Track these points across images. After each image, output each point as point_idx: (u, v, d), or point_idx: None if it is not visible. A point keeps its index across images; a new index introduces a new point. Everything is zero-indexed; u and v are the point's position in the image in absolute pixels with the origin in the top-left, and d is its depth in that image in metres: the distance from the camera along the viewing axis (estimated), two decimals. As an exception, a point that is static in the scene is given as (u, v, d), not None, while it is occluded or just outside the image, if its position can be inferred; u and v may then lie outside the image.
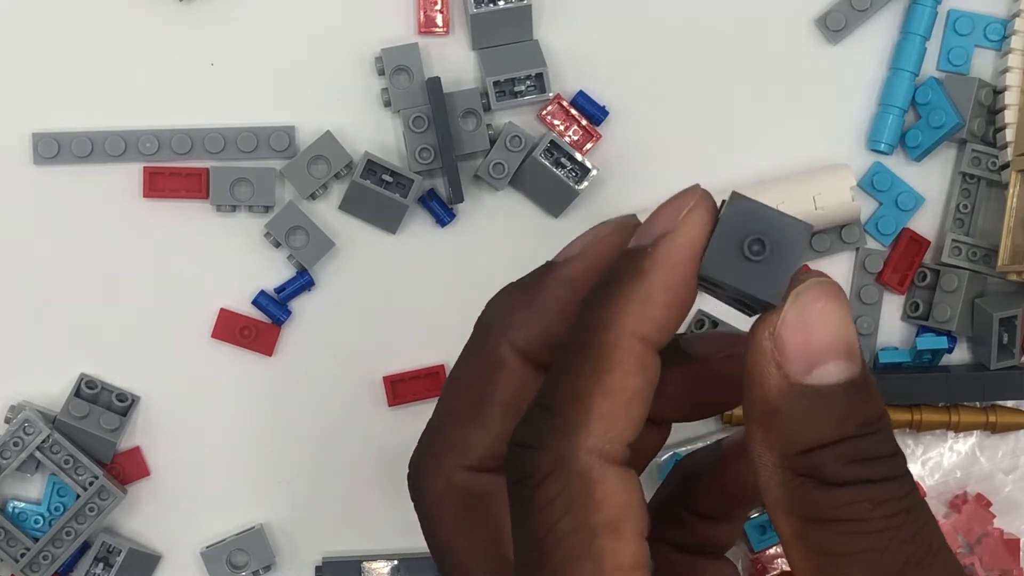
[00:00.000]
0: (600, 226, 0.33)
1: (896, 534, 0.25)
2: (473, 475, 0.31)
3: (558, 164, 0.58)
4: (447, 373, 0.59)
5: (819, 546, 0.26)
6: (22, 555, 0.56)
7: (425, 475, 0.31)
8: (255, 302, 0.58)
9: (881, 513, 0.25)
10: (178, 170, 0.57)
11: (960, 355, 0.61)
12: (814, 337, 0.26)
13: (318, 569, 0.59)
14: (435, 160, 0.57)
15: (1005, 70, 0.59)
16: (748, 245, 0.27)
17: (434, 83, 0.56)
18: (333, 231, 0.58)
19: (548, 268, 0.32)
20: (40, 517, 0.57)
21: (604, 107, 0.59)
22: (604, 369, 0.27)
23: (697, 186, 0.28)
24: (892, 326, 0.61)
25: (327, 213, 0.58)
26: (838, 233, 0.60)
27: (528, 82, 0.57)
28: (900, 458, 0.26)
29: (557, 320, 0.30)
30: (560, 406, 0.27)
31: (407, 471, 0.33)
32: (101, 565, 0.57)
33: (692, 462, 0.35)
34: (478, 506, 0.31)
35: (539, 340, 0.31)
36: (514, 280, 0.33)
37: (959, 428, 0.59)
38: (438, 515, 0.31)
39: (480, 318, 0.32)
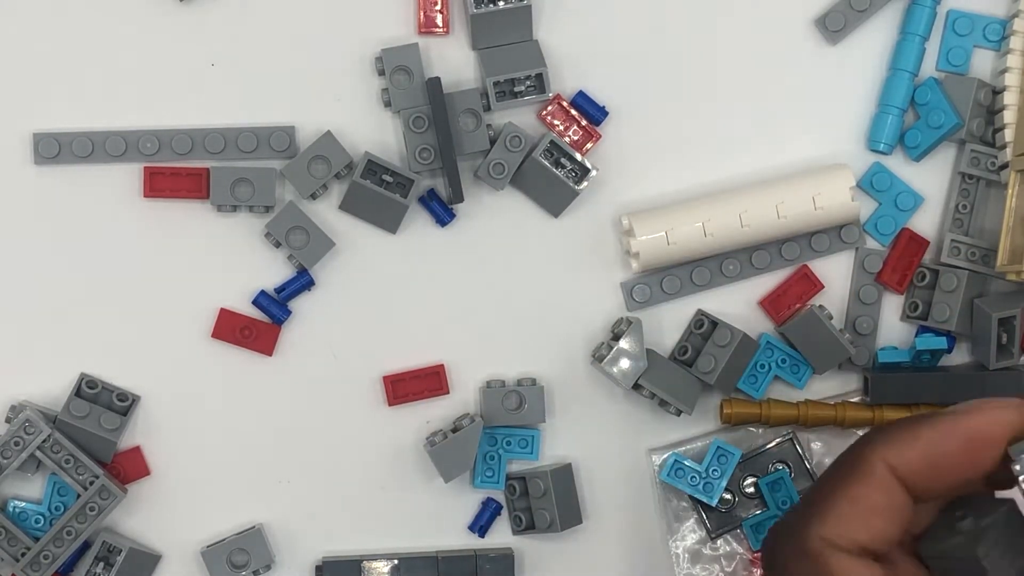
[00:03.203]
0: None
1: None
2: (860, 550, 0.33)
3: (558, 164, 0.58)
4: (447, 373, 0.59)
5: None
6: (23, 554, 0.56)
7: (814, 535, 0.33)
8: (255, 302, 0.58)
9: None
10: (178, 170, 0.57)
11: (959, 355, 0.61)
12: None
13: (318, 569, 0.59)
14: (435, 160, 0.57)
15: (1004, 70, 0.59)
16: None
17: (434, 83, 0.56)
18: (333, 231, 0.58)
19: (950, 412, 0.34)
20: (40, 517, 0.57)
21: (604, 107, 0.59)
22: (852, 480, 0.31)
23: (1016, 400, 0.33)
24: (891, 326, 0.61)
25: (327, 213, 0.58)
26: (838, 233, 0.60)
27: (528, 82, 0.57)
28: None
29: (944, 459, 0.33)
30: (810, 503, 0.32)
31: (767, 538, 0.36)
32: (101, 565, 0.57)
33: None
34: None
35: (916, 464, 0.33)
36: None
37: (958, 428, 0.59)
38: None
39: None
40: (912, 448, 0.32)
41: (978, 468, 0.33)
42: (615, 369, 0.57)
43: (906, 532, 0.34)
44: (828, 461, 0.60)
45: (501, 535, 0.60)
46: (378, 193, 0.56)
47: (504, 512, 0.60)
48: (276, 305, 0.58)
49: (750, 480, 0.59)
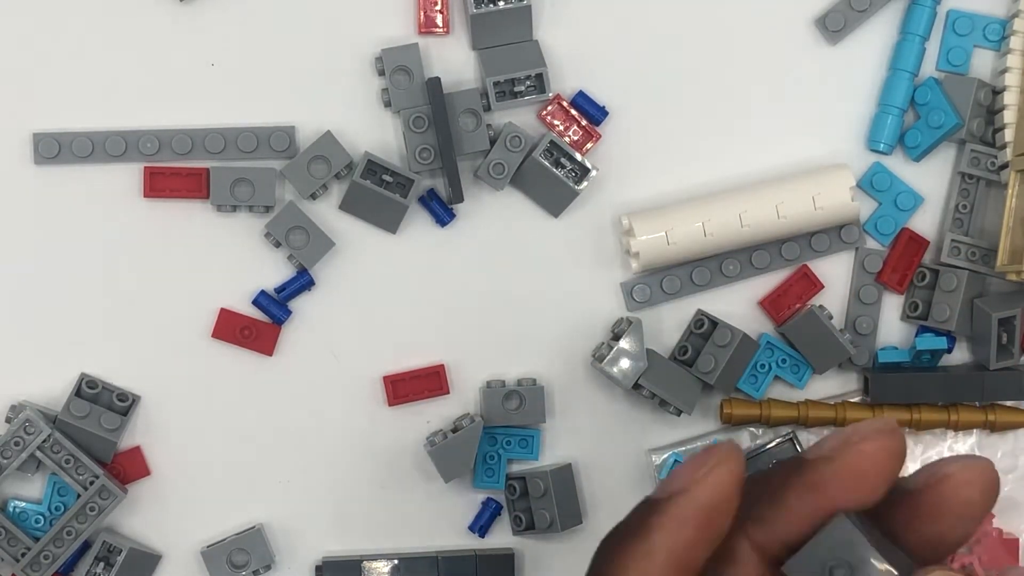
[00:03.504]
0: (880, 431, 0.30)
1: None
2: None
3: (558, 164, 0.58)
4: (447, 373, 0.59)
5: None
6: (23, 555, 0.56)
7: None
8: (255, 302, 0.58)
9: None
10: (178, 170, 0.57)
11: (959, 355, 0.61)
12: None
13: (318, 569, 0.59)
14: (435, 160, 0.57)
15: (1004, 70, 0.59)
16: (831, 571, 0.27)
17: (434, 83, 0.56)
18: (333, 231, 0.58)
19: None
20: (41, 517, 0.57)
21: (604, 107, 0.59)
22: None
23: (729, 443, 0.28)
24: (891, 326, 0.61)
25: (327, 213, 0.58)
26: (838, 233, 0.60)
27: (528, 82, 0.57)
28: None
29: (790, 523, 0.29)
30: None
31: None
32: (102, 565, 0.57)
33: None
34: None
35: (781, 541, 0.29)
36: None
37: (958, 427, 0.59)
38: None
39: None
40: (781, 520, 0.28)
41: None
42: (615, 369, 0.57)
43: None
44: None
45: (501, 535, 0.60)
46: (378, 193, 0.56)
47: (504, 512, 0.60)
48: (276, 305, 0.58)
49: (750, 480, 0.59)
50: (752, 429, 0.60)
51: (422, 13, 0.58)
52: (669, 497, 0.27)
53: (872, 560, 0.26)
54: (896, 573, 0.27)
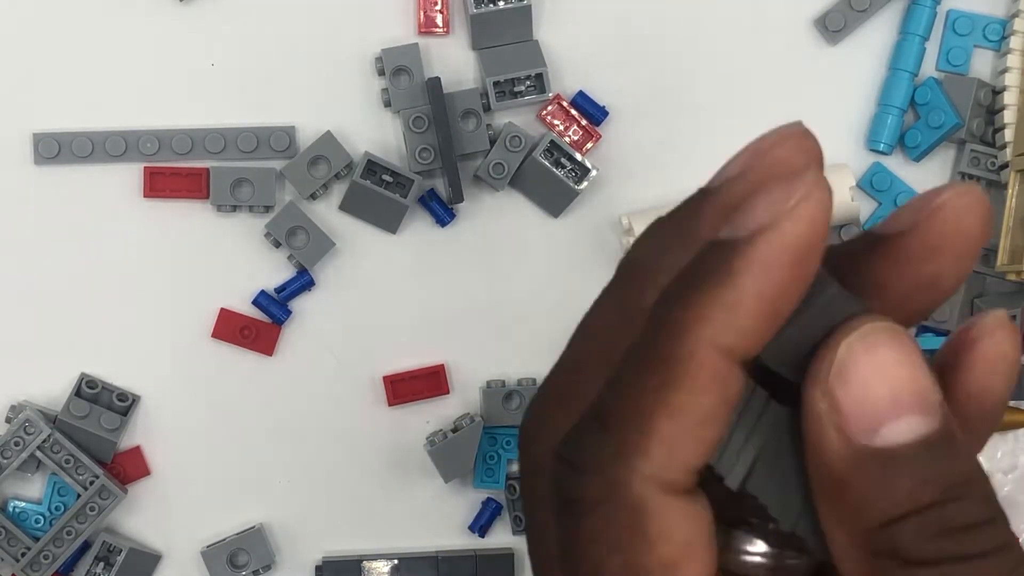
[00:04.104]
0: (762, 139, 0.27)
1: None
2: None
3: (558, 164, 0.58)
4: (447, 373, 0.59)
5: None
6: (23, 554, 0.56)
7: (532, 434, 0.25)
8: (255, 302, 0.58)
9: None
10: (178, 170, 0.57)
11: (959, 355, 0.61)
12: (875, 391, 0.21)
13: (318, 569, 0.59)
14: (435, 160, 0.57)
15: (1004, 70, 0.59)
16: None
17: (434, 83, 0.56)
18: (333, 231, 0.58)
19: (703, 196, 0.26)
20: (41, 517, 0.57)
21: (604, 107, 0.59)
22: (672, 385, 0.22)
23: (814, 164, 0.24)
24: (891, 326, 0.61)
25: (327, 213, 0.58)
26: (837, 233, 0.60)
27: (528, 82, 0.57)
28: (999, 524, 0.22)
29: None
30: (618, 423, 0.22)
31: (521, 423, 0.26)
32: (101, 565, 0.57)
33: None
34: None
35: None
36: (660, 216, 0.26)
37: (958, 428, 0.59)
38: (533, 484, 0.25)
39: (625, 257, 0.26)
40: (739, 311, 0.22)
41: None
42: (615, 369, 0.56)
43: None
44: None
45: (501, 535, 0.60)
46: (378, 193, 0.56)
47: (504, 512, 0.60)
48: (276, 305, 0.58)
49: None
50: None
51: (422, 13, 0.58)
52: (751, 235, 0.22)
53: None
54: (853, 297, 0.23)
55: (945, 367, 0.25)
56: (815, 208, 0.22)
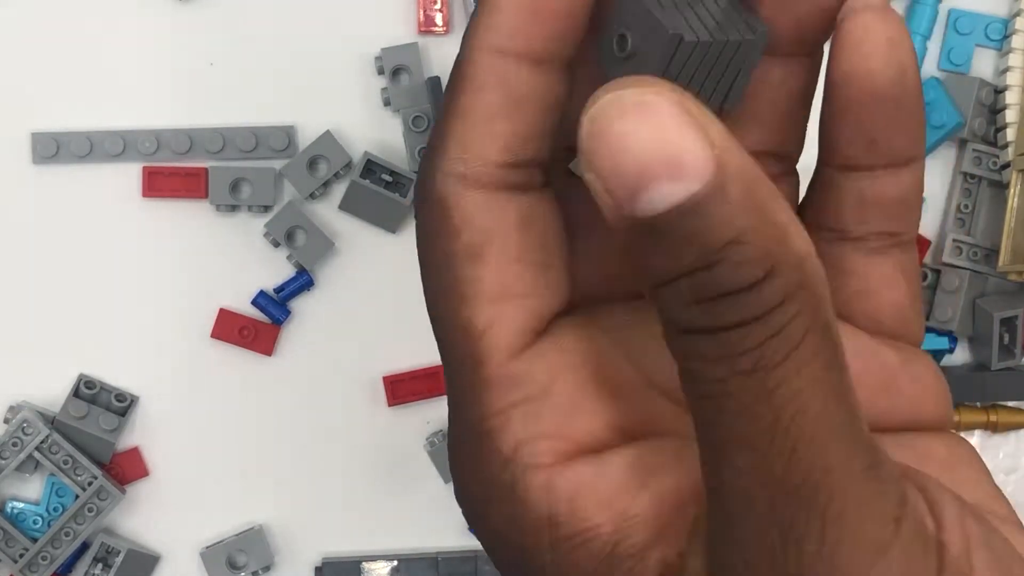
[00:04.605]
0: None
1: (750, 399, 0.20)
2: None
3: (558, 164, 0.58)
4: (447, 373, 0.59)
5: (694, 414, 0.21)
6: (21, 555, 0.56)
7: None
8: (255, 302, 0.58)
9: (735, 369, 0.20)
10: (177, 170, 0.57)
11: (961, 355, 0.61)
12: (622, 161, 0.20)
13: (318, 569, 0.59)
14: (435, 160, 0.57)
15: (1006, 69, 0.59)
16: (616, 41, 0.24)
17: (434, 83, 0.56)
18: (333, 231, 0.58)
19: None
20: (39, 517, 0.57)
21: (604, 107, 0.59)
22: (458, 89, 0.24)
23: None
24: (893, 326, 0.60)
25: (327, 213, 0.58)
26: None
27: (528, 82, 0.57)
28: (766, 286, 0.20)
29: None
30: (431, 135, 0.25)
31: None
32: (100, 565, 0.57)
33: None
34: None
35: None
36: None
37: (960, 427, 0.59)
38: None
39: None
40: (507, 11, 0.23)
41: None
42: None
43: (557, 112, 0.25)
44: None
45: (501, 536, 0.60)
46: (378, 193, 0.56)
47: (504, 513, 0.59)
48: (275, 305, 0.58)
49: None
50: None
51: (422, 12, 0.58)
52: None
53: (651, 18, 0.23)
54: (681, 35, 0.23)
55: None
56: None
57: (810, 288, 0.20)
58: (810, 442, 0.20)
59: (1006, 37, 0.60)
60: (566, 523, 0.23)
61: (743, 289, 0.20)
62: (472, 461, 0.24)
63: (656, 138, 0.20)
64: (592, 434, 0.24)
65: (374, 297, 0.59)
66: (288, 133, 0.58)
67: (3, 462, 0.55)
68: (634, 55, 0.23)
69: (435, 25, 0.58)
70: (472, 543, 0.59)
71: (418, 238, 0.26)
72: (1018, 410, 0.60)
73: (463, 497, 0.25)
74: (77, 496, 0.56)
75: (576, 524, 0.23)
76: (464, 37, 0.24)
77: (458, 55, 0.24)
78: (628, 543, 0.23)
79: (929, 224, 0.60)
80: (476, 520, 0.25)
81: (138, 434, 0.58)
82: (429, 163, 0.25)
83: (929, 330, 0.60)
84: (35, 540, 0.56)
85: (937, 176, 0.60)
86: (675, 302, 0.20)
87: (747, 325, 0.20)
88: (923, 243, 0.60)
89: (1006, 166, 0.58)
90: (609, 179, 0.21)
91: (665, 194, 0.20)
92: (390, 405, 0.59)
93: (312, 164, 0.57)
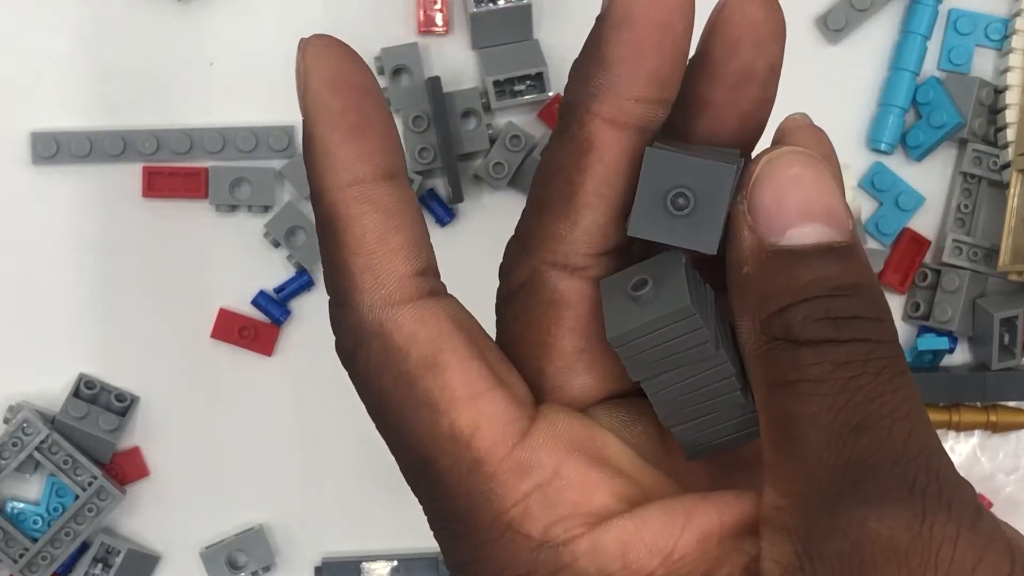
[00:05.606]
0: None
1: (854, 396, 0.23)
2: (558, 274, 0.28)
3: (558, 164, 0.58)
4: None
5: (778, 409, 0.24)
6: (21, 555, 0.56)
7: (358, 311, 0.27)
8: (254, 302, 0.58)
9: (842, 374, 0.23)
10: (177, 170, 0.57)
11: (961, 355, 0.61)
12: (787, 199, 0.24)
13: (318, 569, 0.59)
14: (435, 160, 0.57)
15: (1006, 69, 0.59)
16: (672, 200, 0.25)
17: (434, 83, 0.56)
18: (333, 231, 0.58)
19: (601, 21, 0.27)
20: (39, 517, 0.57)
21: (604, 107, 0.59)
22: (336, 230, 0.25)
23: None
24: (893, 326, 0.60)
25: (327, 213, 0.58)
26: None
27: (528, 82, 0.57)
28: (884, 325, 0.24)
29: (637, 71, 0.26)
30: (335, 268, 0.26)
31: None
32: (100, 566, 0.57)
33: None
34: (557, 308, 0.27)
35: (627, 101, 0.26)
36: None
37: (960, 427, 0.59)
38: (502, 314, 0.28)
39: (562, 100, 0.27)
40: (340, 150, 0.25)
41: None
42: (615, 369, 0.56)
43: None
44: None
45: (501, 536, 0.60)
46: (377, 193, 0.56)
47: (504, 513, 0.59)
48: (275, 305, 0.58)
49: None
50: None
51: (422, 12, 0.58)
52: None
53: (704, 165, 0.25)
54: (737, 159, 0.26)
55: (699, 57, 0.27)
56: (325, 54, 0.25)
57: (897, 341, 0.24)
58: (904, 441, 0.23)
59: (1006, 37, 0.60)
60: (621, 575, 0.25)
61: (868, 319, 0.24)
62: (501, 558, 0.25)
63: (819, 190, 0.24)
64: (607, 507, 0.25)
65: (374, 297, 0.59)
66: (288, 133, 0.57)
67: (3, 462, 0.55)
68: (696, 205, 0.25)
69: (435, 25, 0.58)
70: (472, 543, 0.59)
71: (361, 386, 0.27)
72: (1018, 410, 0.60)
73: None
74: (77, 496, 0.56)
75: (632, 574, 0.24)
76: (313, 192, 0.25)
77: (317, 209, 0.26)
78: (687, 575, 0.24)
79: (929, 224, 0.60)
80: None
81: (138, 434, 0.58)
82: (345, 309, 0.26)
83: (929, 330, 0.60)
84: (35, 540, 0.56)
85: (937, 176, 0.60)
86: (800, 317, 0.24)
87: (863, 343, 0.24)
88: (923, 243, 0.60)
89: (1006, 166, 0.58)
90: (764, 212, 0.24)
91: (818, 232, 0.24)
92: (390, 405, 0.59)
93: (312, 164, 0.57)
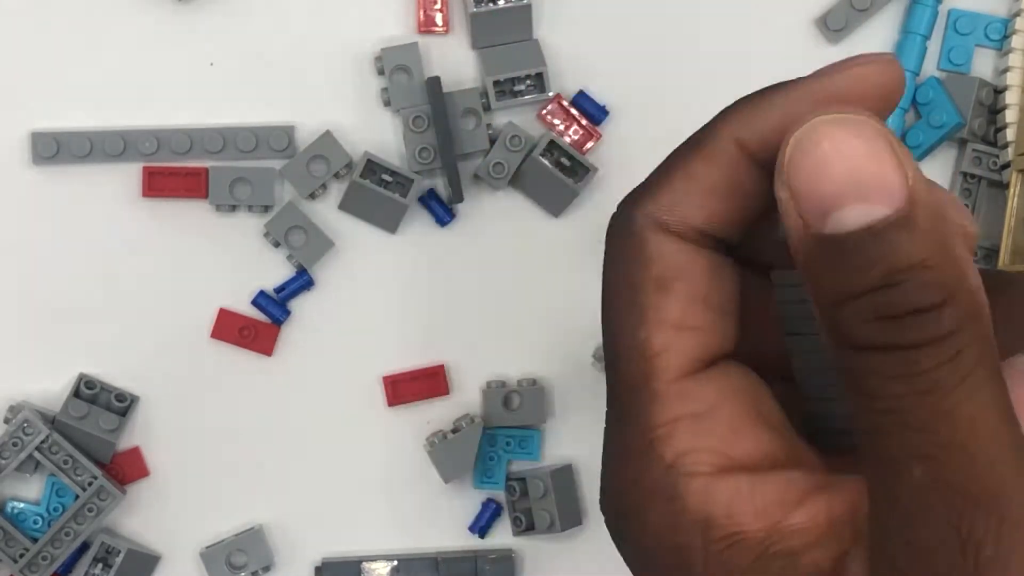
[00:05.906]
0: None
1: (930, 421, 0.21)
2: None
3: (558, 164, 0.58)
4: (447, 373, 0.59)
5: (862, 422, 0.23)
6: (21, 555, 0.56)
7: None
8: (254, 302, 0.58)
9: (909, 389, 0.22)
10: (177, 170, 0.57)
11: (961, 355, 0.61)
12: (824, 179, 0.23)
13: (318, 569, 0.59)
14: (435, 160, 0.57)
15: (1006, 69, 0.59)
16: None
17: (434, 83, 0.56)
18: (333, 231, 0.58)
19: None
20: (39, 517, 0.57)
21: (604, 107, 0.59)
22: (694, 155, 0.27)
23: (885, 56, 0.27)
24: (893, 326, 0.60)
25: (327, 213, 0.58)
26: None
27: (528, 82, 0.57)
28: (947, 310, 0.22)
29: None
30: (648, 178, 0.28)
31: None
32: (100, 566, 0.57)
33: None
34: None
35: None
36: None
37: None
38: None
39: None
40: (764, 118, 0.27)
41: None
42: (615, 369, 0.56)
43: (746, 223, 0.28)
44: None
45: (501, 536, 0.60)
46: (378, 193, 0.56)
47: (504, 513, 0.59)
48: (275, 305, 0.58)
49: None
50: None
51: (422, 12, 0.58)
52: (802, 78, 0.28)
53: None
54: None
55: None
56: (873, 70, 0.28)
57: (981, 320, 0.22)
58: (987, 457, 0.22)
59: (1006, 37, 0.60)
60: (721, 526, 0.25)
61: (924, 310, 0.22)
62: (633, 468, 0.26)
63: (856, 162, 0.23)
64: (748, 456, 0.26)
65: (374, 297, 0.59)
66: (288, 133, 0.57)
67: (3, 462, 0.55)
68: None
69: (435, 25, 0.58)
70: (472, 543, 0.59)
71: (605, 264, 0.28)
72: (1018, 410, 0.60)
73: (616, 505, 0.27)
74: (77, 496, 0.56)
75: (730, 527, 0.25)
76: (716, 116, 0.28)
77: (702, 128, 0.28)
78: (780, 546, 0.25)
79: (929, 224, 0.60)
80: (629, 525, 0.27)
81: (138, 434, 0.58)
82: (633, 203, 0.28)
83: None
84: (35, 540, 0.56)
85: (937, 176, 0.60)
86: (856, 318, 0.22)
87: (925, 347, 0.22)
88: (923, 243, 0.60)
89: (1006, 166, 0.58)
90: (805, 195, 0.23)
91: (860, 214, 0.22)
92: (390, 405, 0.59)
93: (312, 164, 0.57)
